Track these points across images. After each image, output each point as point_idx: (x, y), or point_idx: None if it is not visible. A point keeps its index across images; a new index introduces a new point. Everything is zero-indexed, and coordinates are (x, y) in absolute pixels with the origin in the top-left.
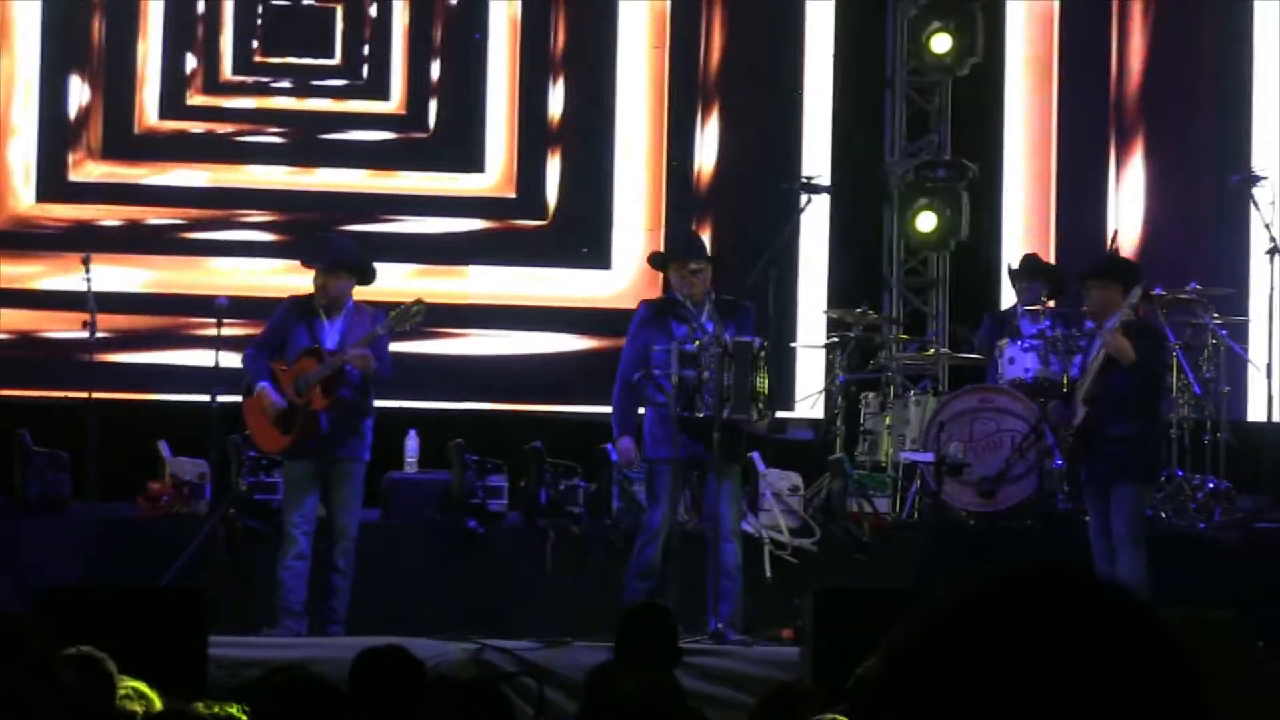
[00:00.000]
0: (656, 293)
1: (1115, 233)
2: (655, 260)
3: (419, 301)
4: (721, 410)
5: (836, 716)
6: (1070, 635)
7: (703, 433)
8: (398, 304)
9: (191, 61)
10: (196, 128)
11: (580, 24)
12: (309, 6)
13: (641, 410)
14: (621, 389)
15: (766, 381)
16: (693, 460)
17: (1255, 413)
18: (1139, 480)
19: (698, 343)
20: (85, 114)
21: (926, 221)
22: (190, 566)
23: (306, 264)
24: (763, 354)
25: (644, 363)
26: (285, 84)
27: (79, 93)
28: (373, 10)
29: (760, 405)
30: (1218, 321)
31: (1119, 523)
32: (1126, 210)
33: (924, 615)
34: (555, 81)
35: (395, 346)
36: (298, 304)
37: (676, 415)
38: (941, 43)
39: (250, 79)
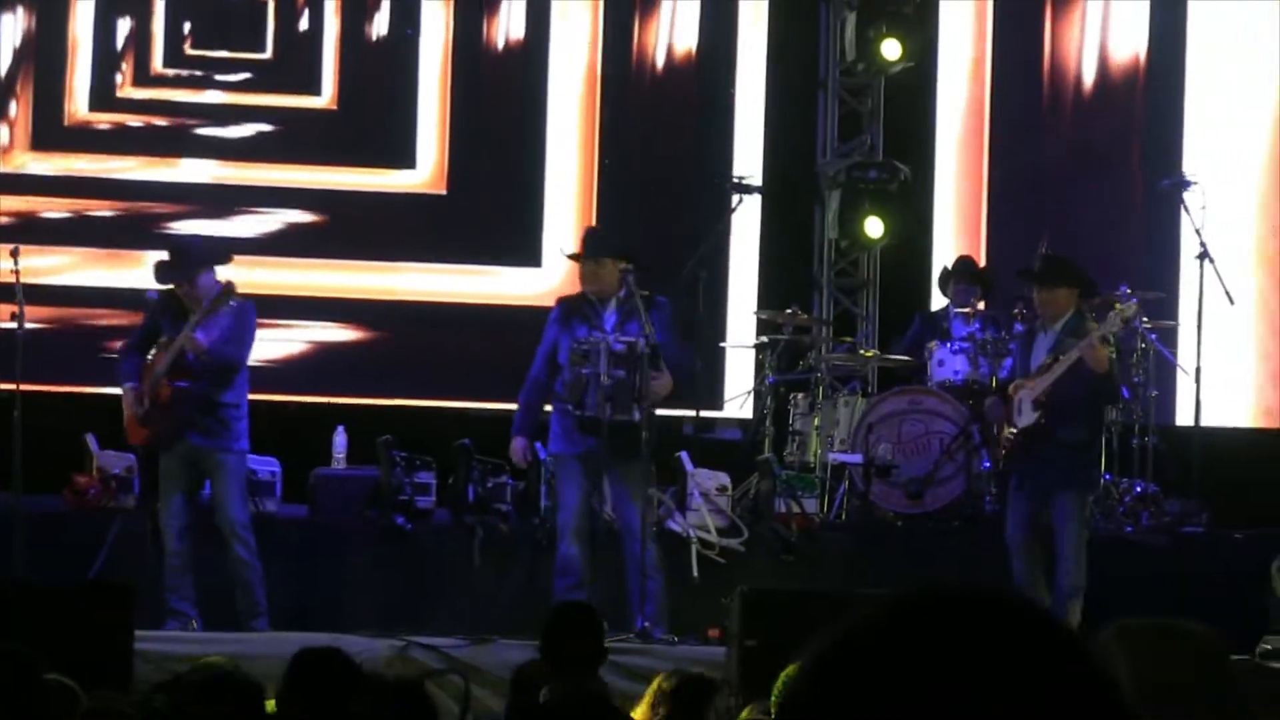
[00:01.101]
0: None
1: (1046, 236)
2: (570, 257)
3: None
4: (603, 410)
5: (756, 715)
6: (990, 658)
7: (596, 431)
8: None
9: (122, 53)
10: (127, 120)
11: (513, 20)
12: (241, 0)
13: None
14: (525, 387)
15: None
16: (589, 457)
17: (1183, 417)
18: (1085, 487)
19: (590, 341)
20: (15, 105)
21: (875, 227)
22: (115, 561)
23: (165, 281)
24: (645, 355)
25: (550, 360)
26: (217, 77)
27: (9, 80)
28: (304, 5)
29: (642, 405)
30: (1147, 326)
31: (1065, 530)
32: (1057, 213)
33: (843, 632)
34: (487, 78)
35: (325, 341)
36: (165, 299)
37: (568, 413)
38: (892, 49)
39: (181, 72)
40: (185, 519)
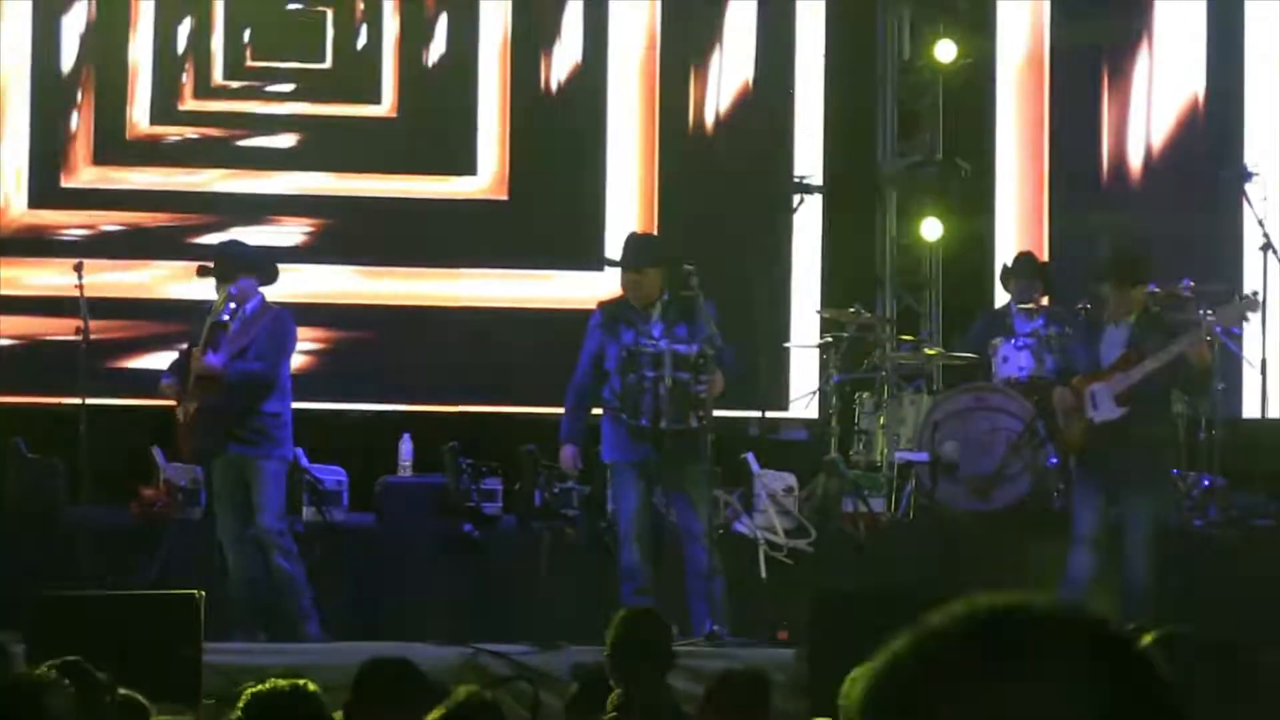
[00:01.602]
0: None
1: (1109, 234)
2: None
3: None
4: (659, 418)
5: None
6: (1053, 676)
7: (655, 440)
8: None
9: (182, 66)
10: (188, 133)
11: (572, 25)
12: (300, 11)
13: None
14: (569, 394)
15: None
16: (647, 463)
17: (1250, 409)
18: (1163, 483)
19: (639, 348)
20: (76, 120)
21: (934, 228)
22: (182, 572)
23: (206, 274)
24: (702, 360)
25: (595, 367)
26: (277, 88)
27: (72, 97)
28: (363, 14)
29: (699, 411)
30: (1212, 319)
31: (1139, 526)
32: (1120, 206)
33: (901, 655)
34: (547, 83)
35: (389, 349)
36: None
37: (621, 420)
38: (946, 50)
39: (242, 83)
40: (239, 529)
